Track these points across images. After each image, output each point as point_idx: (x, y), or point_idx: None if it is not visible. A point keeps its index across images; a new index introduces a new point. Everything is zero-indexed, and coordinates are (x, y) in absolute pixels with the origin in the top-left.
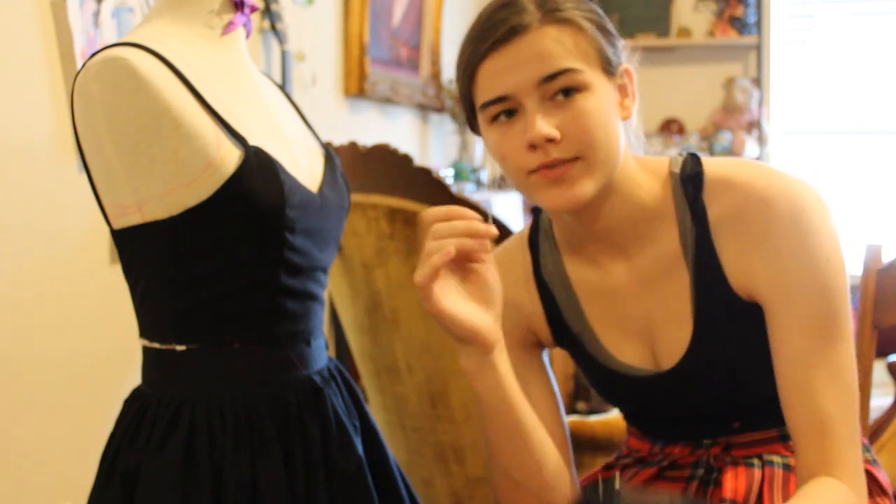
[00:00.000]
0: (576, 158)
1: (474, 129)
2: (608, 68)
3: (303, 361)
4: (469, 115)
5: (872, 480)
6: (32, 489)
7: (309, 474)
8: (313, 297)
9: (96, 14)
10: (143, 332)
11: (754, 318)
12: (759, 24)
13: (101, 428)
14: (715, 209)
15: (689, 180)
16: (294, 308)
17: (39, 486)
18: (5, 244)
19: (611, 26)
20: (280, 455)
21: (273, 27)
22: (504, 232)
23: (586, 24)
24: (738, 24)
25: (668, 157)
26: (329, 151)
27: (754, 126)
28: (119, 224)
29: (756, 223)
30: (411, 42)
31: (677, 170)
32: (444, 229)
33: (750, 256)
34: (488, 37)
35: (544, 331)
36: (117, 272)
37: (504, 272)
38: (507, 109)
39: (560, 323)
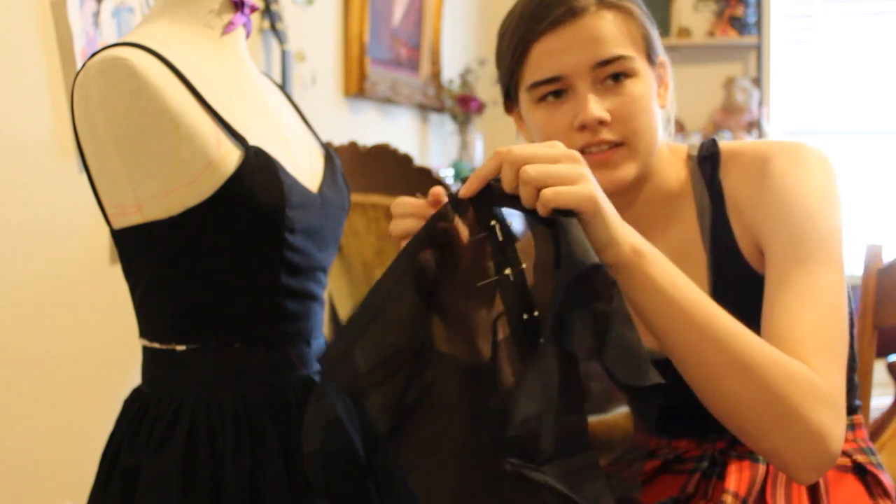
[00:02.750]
0: (621, 143)
1: (509, 109)
2: (652, 56)
3: (303, 361)
4: (507, 93)
5: (876, 483)
6: (32, 489)
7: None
8: (313, 297)
9: (96, 14)
10: (143, 332)
11: None
12: (759, 24)
13: (101, 428)
14: (728, 182)
15: (706, 160)
16: (294, 308)
17: (39, 486)
18: (5, 244)
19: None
20: (280, 455)
21: (273, 27)
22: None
23: (637, 11)
24: (738, 24)
25: (688, 144)
26: (329, 151)
27: (754, 126)
28: (119, 224)
29: (756, 178)
30: (411, 42)
31: (695, 153)
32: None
33: (751, 212)
34: (545, 17)
35: None
36: (117, 272)
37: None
38: (557, 90)
39: None
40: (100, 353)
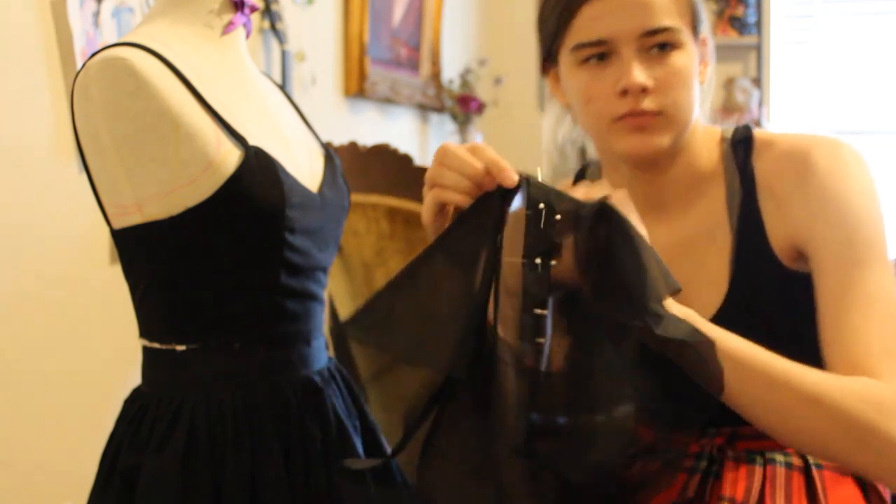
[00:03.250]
0: (659, 113)
1: (545, 70)
2: (697, 30)
3: (303, 361)
4: (548, 54)
5: (873, 488)
6: (32, 489)
7: (309, 474)
8: (313, 297)
9: (96, 14)
10: (143, 332)
11: (792, 290)
12: (759, 24)
13: (101, 428)
14: (761, 168)
15: (740, 143)
16: (294, 308)
17: (39, 486)
18: (5, 244)
19: None
20: (280, 455)
21: (273, 27)
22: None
23: None
24: (738, 24)
25: (721, 127)
26: (329, 151)
27: (755, 126)
28: (119, 224)
29: (796, 171)
30: (411, 42)
31: (729, 136)
32: (450, 166)
33: (790, 206)
34: None
35: None
36: (117, 272)
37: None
38: (601, 53)
39: None
40: (100, 353)
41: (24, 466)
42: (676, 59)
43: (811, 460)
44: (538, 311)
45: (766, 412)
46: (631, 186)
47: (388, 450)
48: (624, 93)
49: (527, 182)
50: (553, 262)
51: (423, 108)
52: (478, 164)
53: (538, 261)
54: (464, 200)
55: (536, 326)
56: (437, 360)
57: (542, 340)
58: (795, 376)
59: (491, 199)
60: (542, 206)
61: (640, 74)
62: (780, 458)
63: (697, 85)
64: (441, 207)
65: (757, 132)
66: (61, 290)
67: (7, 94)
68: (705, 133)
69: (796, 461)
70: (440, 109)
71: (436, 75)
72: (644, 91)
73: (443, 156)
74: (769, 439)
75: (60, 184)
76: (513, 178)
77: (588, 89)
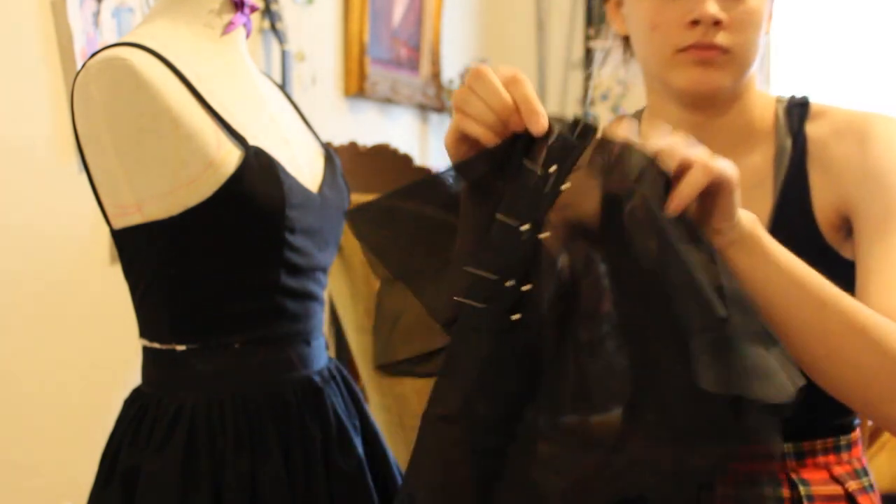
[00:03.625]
0: (727, 50)
1: None
2: None
3: (303, 361)
4: None
5: None
6: (32, 489)
7: (309, 474)
8: (313, 297)
9: (96, 14)
10: (143, 332)
11: (826, 265)
12: None
13: (101, 428)
14: (814, 134)
15: (795, 108)
16: (294, 308)
17: (39, 486)
18: (5, 244)
19: None
20: (280, 455)
21: (273, 27)
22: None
23: None
24: None
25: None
26: (329, 151)
27: None
28: (119, 224)
29: (855, 137)
30: (411, 42)
31: (784, 100)
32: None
33: (843, 170)
34: None
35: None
36: (117, 272)
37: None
38: None
39: None
40: (100, 353)
41: (23, 466)
42: (752, 1)
43: (802, 492)
44: (508, 283)
45: (814, 338)
46: (678, 131)
47: (389, 450)
48: (694, 23)
49: (559, 135)
50: (546, 235)
51: (424, 108)
52: (507, 98)
53: (525, 228)
54: (486, 135)
55: (510, 300)
56: (428, 296)
57: (516, 317)
58: (849, 304)
59: (515, 144)
60: (553, 168)
61: (713, 6)
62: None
63: (763, 33)
64: (463, 136)
65: (813, 102)
66: (61, 290)
67: (7, 94)
68: (760, 91)
69: (786, 493)
70: (440, 109)
71: (436, 75)
72: (716, 24)
73: (475, 79)
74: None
75: (60, 184)
76: (542, 124)
77: (655, 15)
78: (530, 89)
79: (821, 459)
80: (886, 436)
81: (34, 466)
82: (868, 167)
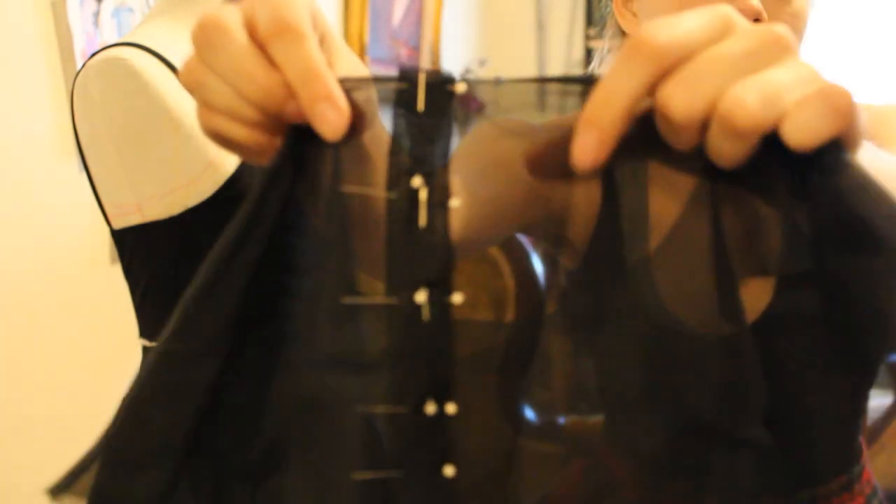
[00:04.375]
0: None
1: None
2: None
3: None
4: None
5: None
6: (32, 489)
7: None
8: None
9: (96, 14)
10: (143, 332)
11: None
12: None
13: (101, 428)
14: None
15: None
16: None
17: (39, 486)
18: (5, 244)
19: None
20: None
21: None
22: None
23: None
24: None
25: None
26: None
27: None
28: (119, 224)
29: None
30: (411, 42)
31: None
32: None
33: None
34: None
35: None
36: (117, 272)
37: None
38: None
39: None
40: (100, 353)
41: (24, 466)
42: (800, 4)
43: None
44: (418, 295)
45: None
46: None
47: None
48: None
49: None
50: (454, 204)
51: None
52: (269, 76)
53: (415, 183)
54: (249, 138)
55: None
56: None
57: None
58: None
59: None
60: (417, 181)
61: (757, 1)
62: None
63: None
64: (217, 137)
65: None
66: (61, 290)
67: (7, 94)
68: None
69: None
70: None
71: None
72: (756, 21)
73: (207, 42)
74: None
75: (60, 184)
76: (336, 121)
77: (686, 6)
78: (312, 50)
79: (835, 502)
80: (886, 436)
81: (34, 466)
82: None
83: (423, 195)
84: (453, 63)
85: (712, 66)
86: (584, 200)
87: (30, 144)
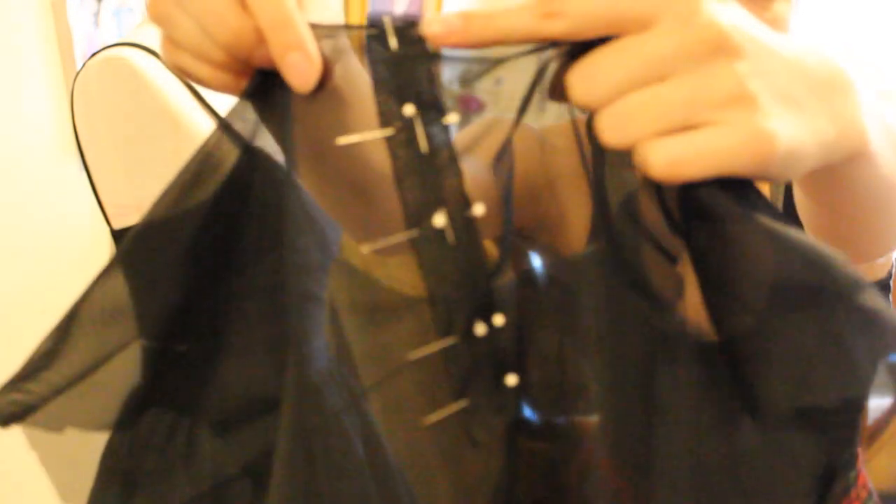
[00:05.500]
0: None
1: None
2: None
3: None
4: None
5: None
6: (33, 489)
7: None
8: (313, 297)
9: (96, 14)
10: (142, 332)
11: None
12: None
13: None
14: None
15: None
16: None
17: (40, 485)
18: (5, 244)
19: None
20: None
21: None
22: None
23: None
24: None
25: None
26: None
27: None
28: (119, 224)
29: None
30: None
31: None
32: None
33: None
34: None
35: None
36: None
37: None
38: None
39: None
40: None
41: (24, 466)
42: (780, 5)
43: None
44: (437, 219)
45: None
46: None
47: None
48: None
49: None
50: (450, 121)
51: None
52: (238, 21)
53: (408, 111)
54: (213, 78)
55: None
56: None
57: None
58: None
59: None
60: (411, 110)
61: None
62: None
63: None
64: (180, 73)
65: None
66: (61, 290)
67: (7, 94)
68: None
69: None
70: None
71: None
72: None
73: None
74: None
75: (60, 184)
76: (308, 72)
77: None
78: None
79: None
80: (886, 436)
81: (34, 466)
82: None
83: (419, 121)
84: None
85: (637, 110)
86: (576, 215)
87: (30, 144)
